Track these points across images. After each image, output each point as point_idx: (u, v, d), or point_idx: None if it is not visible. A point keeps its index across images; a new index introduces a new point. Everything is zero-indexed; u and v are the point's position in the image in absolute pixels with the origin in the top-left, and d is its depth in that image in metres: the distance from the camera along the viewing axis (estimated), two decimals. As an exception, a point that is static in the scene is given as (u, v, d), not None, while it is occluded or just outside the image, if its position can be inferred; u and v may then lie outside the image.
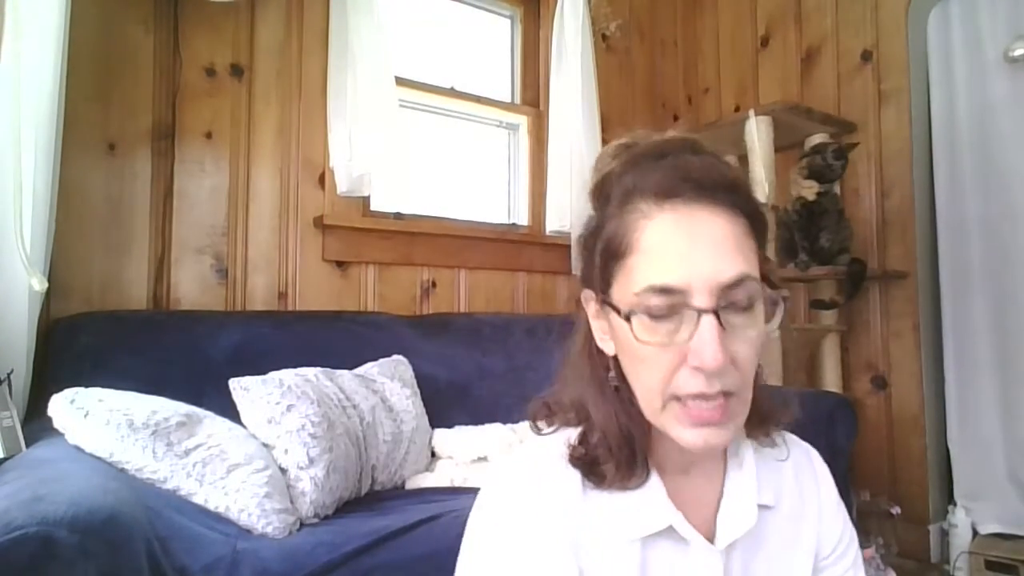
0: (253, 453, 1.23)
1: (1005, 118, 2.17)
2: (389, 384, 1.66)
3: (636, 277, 0.52)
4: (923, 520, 2.29)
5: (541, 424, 0.63)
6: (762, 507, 0.61)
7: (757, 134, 2.29)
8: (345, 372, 1.60)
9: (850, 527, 0.68)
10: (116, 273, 1.72)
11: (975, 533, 2.15)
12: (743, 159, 2.40)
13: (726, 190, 0.52)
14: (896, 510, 2.14)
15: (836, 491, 0.68)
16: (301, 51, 2.03)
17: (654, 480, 0.58)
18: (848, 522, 0.68)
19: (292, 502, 1.24)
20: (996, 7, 2.18)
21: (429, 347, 1.94)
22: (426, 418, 1.72)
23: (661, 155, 0.54)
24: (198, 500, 1.12)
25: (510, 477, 0.59)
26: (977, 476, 2.20)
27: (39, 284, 1.36)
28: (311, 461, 1.29)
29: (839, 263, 2.23)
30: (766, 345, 0.55)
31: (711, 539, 0.59)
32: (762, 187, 2.28)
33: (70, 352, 1.48)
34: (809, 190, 2.19)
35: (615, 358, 0.58)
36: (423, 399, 1.75)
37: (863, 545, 1.72)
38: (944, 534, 2.25)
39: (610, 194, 0.56)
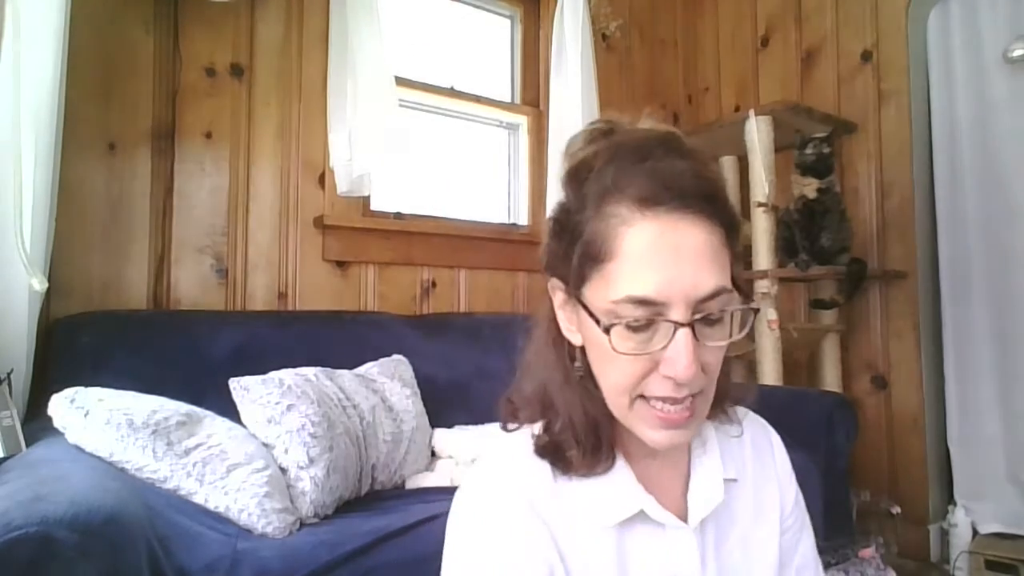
0: (253, 453, 1.23)
1: (1005, 118, 2.17)
2: (389, 384, 1.66)
3: (615, 285, 0.51)
4: (923, 520, 2.29)
5: (509, 422, 0.63)
6: (728, 481, 0.63)
7: (757, 134, 2.29)
8: (345, 372, 1.60)
9: (800, 495, 0.71)
10: (116, 273, 1.72)
11: (975, 533, 2.15)
12: (743, 159, 2.40)
13: (707, 200, 0.52)
14: (896, 510, 2.15)
15: (788, 460, 0.71)
16: (301, 51, 2.03)
17: (621, 465, 0.59)
18: (799, 490, 0.71)
19: (292, 502, 1.24)
20: (996, 7, 2.18)
21: (429, 347, 1.94)
22: (426, 418, 1.72)
23: (644, 156, 0.53)
24: (198, 500, 1.12)
25: (478, 479, 0.59)
26: (977, 476, 2.20)
27: (39, 284, 1.36)
28: (311, 461, 1.29)
29: (839, 263, 2.23)
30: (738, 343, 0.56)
31: (683, 519, 0.60)
32: (762, 187, 2.28)
33: (70, 352, 1.48)
34: (809, 187, 2.19)
35: (581, 348, 0.58)
36: (423, 399, 1.75)
37: (863, 545, 1.72)
38: (944, 534, 2.25)
39: (587, 185, 0.55)
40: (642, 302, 0.50)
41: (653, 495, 0.59)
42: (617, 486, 0.58)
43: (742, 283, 0.56)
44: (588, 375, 0.58)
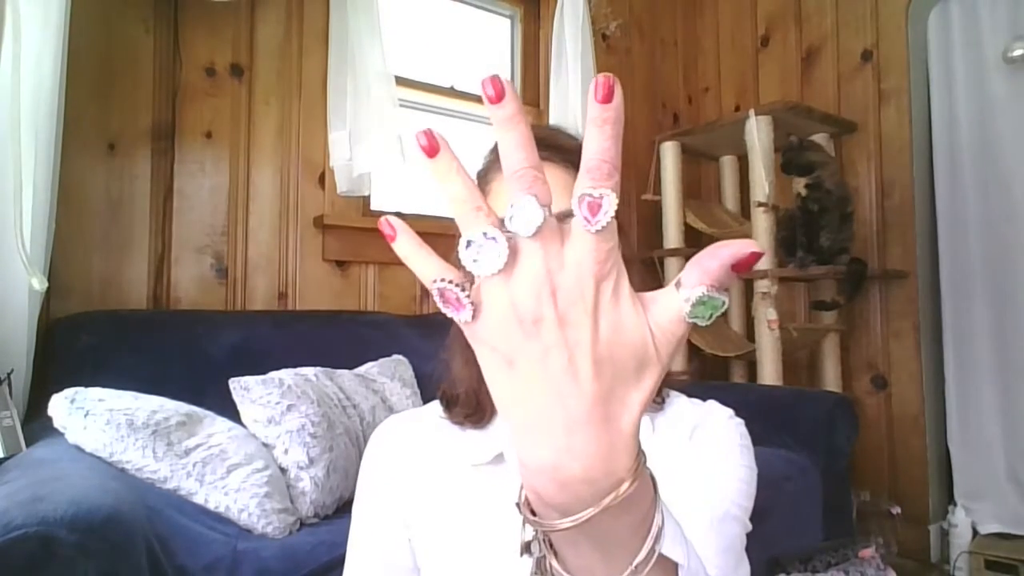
0: (253, 453, 1.23)
1: (1005, 118, 2.17)
2: (389, 384, 1.66)
3: None
4: (923, 520, 2.29)
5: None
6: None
7: (757, 134, 2.29)
8: (345, 372, 1.60)
9: (739, 461, 0.68)
10: (116, 273, 1.72)
11: (975, 533, 2.15)
12: (743, 159, 2.40)
13: (559, 150, 0.61)
14: (896, 510, 2.15)
15: (724, 430, 0.68)
16: (301, 51, 2.03)
17: (498, 420, 0.67)
18: (742, 459, 0.67)
19: (292, 502, 1.24)
20: (996, 7, 2.18)
21: (429, 347, 1.93)
22: (426, 418, 1.72)
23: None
24: (198, 500, 1.12)
25: (386, 419, 0.75)
26: (977, 476, 2.20)
27: (39, 284, 1.36)
28: (311, 461, 1.29)
29: (839, 263, 2.23)
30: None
31: None
32: (762, 187, 2.28)
33: (70, 352, 1.48)
34: (798, 184, 2.21)
35: None
36: (423, 399, 1.75)
37: (863, 545, 1.72)
38: (944, 534, 2.25)
39: (482, 179, 0.67)
40: None
41: None
42: (489, 434, 0.67)
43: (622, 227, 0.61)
44: None
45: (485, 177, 0.69)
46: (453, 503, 0.65)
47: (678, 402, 0.70)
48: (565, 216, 0.28)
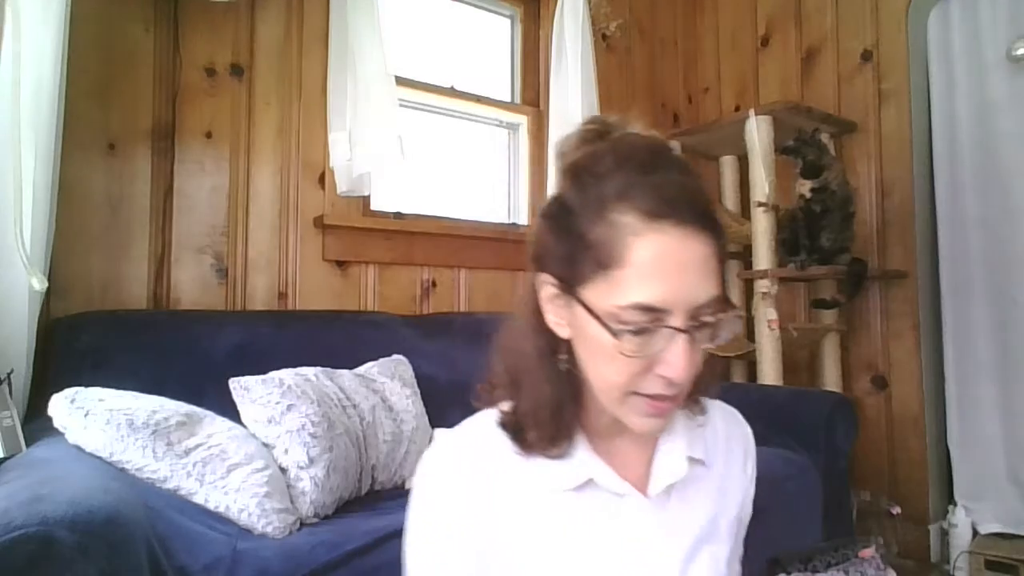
0: (253, 453, 1.23)
1: (1005, 118, 2.17)
2: (389, 384, 1.66)
3: (624, 291, 0.54)
4: (923, 520, 2.29)
5: (484, 402, 0.68)
6: (694, 460, 0.67)
7: (757, 134, 2.29)
8: (345, 372, 1.60)
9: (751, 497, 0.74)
10: (116, 273, 1.72)
11: (975, 533, 2.15)
12: (743, 159, 2.40)
13: (706, 216, 0.56)
14: (896, 510, 2.15)
15: (755, 468, 0.75)
16: (301, 51, 2.03)
17: (580, 442, 0.63)
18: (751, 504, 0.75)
19: (292, 502, 1.24)
20: (996, 7, 2.18)
21: (429, 347, 1.94)
22: (426, 418, 1.72)
23: (649, 168, 0.56)
24: (198, 500, 1.12)
25: (436, 444, 0.66)
26: (977, 476, 2.20)
27: (39, 284, 1.36)
28: (311, 461, 1.29)
29: (839, 262, 2.23)
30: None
31: (645, 492, 0.64)
32: (762, 187, 2.28)
33: (70, 352, 1.48)
34: (804, 187, 2.20)
35: (567, 341, 0.61)
36: (423, 399, 1.75)
37: (863, 545, 1.72)
38: (944, 534, 2.25)
39: (591, 188, 0.57)
40: (648, 309, 0.54)
41: (614, 468, 0.63)
42: (571, 459, 0.62)
43: (726, 290, 0.63)
44: (574, 368, 0.62)
45: (598, 209, 0.56)
46: (538, 531, 0.61)
47: (713, 413, 0.72)
48: None
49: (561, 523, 0.62)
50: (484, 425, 0.65)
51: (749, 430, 0.75)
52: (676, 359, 0.55)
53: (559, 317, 0.61)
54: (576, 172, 0.60)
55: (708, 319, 0.56)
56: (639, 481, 0.64)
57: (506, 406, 0.65)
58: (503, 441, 0.63)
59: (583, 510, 0.62)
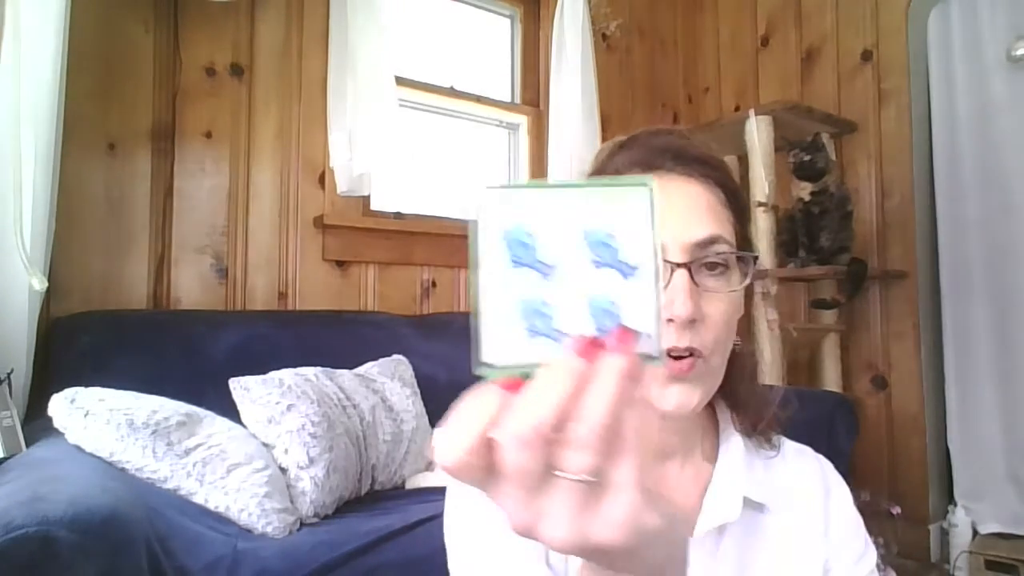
0: (253, 453, 1.23)
1: (1005, 118, 2.17)
2: (389, 384, 1.66)
3: None
4: (923, 520, 2.29)
5: None
6: (752, 503, 0.59)
7: (757, 134, 2.29)
8: (345, 372, 1.60)
9: (871, 550, 0.64)
10: (116, 273, 1.72)
11: (975, 533, 2.15)
12: (743, 159, 2.40)
13: (702, 163, 0.56)
14: (896, 510, 2.14)
15: (853, 507, 0.65)
16: (301, 51, 2.03)
17: None
18: (869, 543, 0.64)
19: (292, 502, 1.24)
20: (996, 7, 2.18)
21: (429, 347, 1.94)
22: (426, 418, 1.72)
23: (651, 137, 0.59)
24: (198, 500, 1.12)
25: None
26: (977, 476, 2.20)
27: (39, 284, 1.36)
28: (311, 461, 1.29)
29: (839, 263, 2.23)
30: (741, 323, 0.57)
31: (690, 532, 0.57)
32: (762, 187, 2.28)
33: (70, 352, 1.48)
34: (804, 190, 2.20)
35: None
36: (423, 399, 1.75)
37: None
38: (944, 534, 2.25)
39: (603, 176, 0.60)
40: None
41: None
42: None
43: (750, 249, 0.59)
44: None
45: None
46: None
47: (786, 448, 0.65)
48: None
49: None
50: None
51: (834, 476, 0.66)
52: (675, 293, 0.52)
53: None
54: (595, 173, 0.62)
55: (712, 259, 0.54)
56: (688, 515, 0.58)
57: None
58: None
59: None
